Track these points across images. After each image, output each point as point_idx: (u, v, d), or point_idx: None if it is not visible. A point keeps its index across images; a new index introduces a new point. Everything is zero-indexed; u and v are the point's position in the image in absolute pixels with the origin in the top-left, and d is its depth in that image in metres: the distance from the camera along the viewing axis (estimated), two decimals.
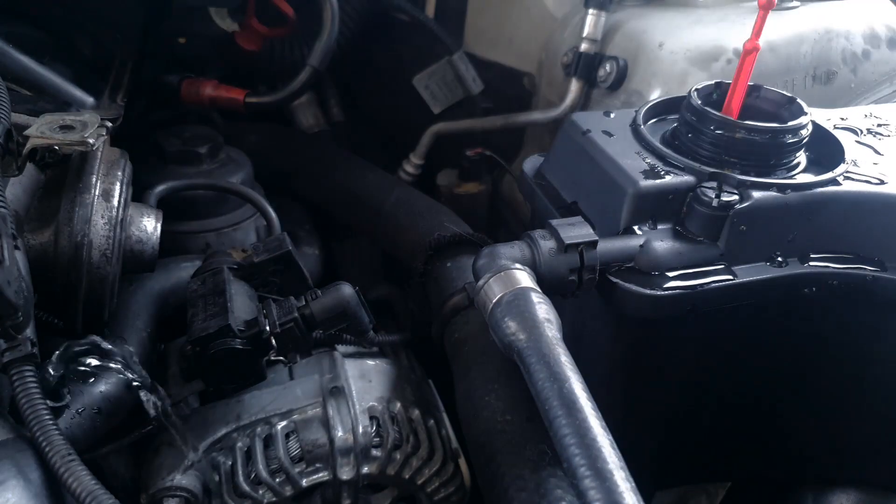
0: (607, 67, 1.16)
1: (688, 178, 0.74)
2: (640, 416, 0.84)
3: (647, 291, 0.70)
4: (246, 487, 0.72)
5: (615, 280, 0.71)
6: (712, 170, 0.74)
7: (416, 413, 0.81)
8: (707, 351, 0.79)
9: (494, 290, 0.65)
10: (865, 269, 0.75)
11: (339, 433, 0.76)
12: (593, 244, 0.70)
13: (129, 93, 1.00)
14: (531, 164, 0.90)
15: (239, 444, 0.75)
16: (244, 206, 1.13)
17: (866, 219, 0.75)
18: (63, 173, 0.74)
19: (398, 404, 0.81)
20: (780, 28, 1.15)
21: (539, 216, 0.86)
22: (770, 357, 0.81)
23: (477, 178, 1.45)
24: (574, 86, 1.21)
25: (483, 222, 1.48)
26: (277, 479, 0.74)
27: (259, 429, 0.76)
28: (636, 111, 0.84)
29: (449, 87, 1.47)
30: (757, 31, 0.74)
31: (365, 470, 0.76)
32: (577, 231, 0.70)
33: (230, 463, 0.74)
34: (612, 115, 0.85)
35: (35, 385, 0.55)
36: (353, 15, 1.38)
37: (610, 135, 0.80)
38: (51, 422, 0.53)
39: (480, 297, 0.67)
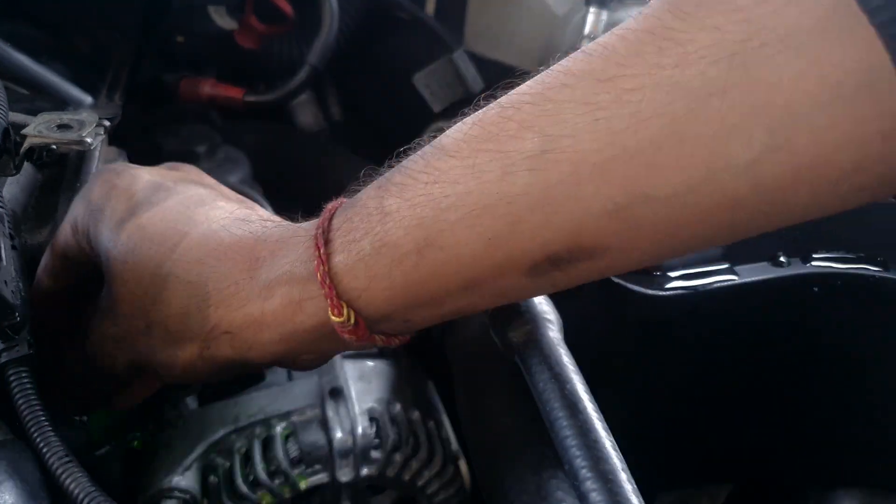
0: None
1: None
2: (641, 417, 0.84)
3: (650, 291, 0.70)
4: (244, 489, 0.72)
5: (617, 280, 0.71)
6: None
7: (416, 414, 0.81)
8: (709, 351, 0.79)
9: None
10: (869, 268, 0.74)
11: (339, 435, 0.75)
12: None
13: (127, 91, 0.99)
14: None
15: (237, 446, 0.74)
16: None
17: (869, 217, 0.75)
18: (61, 172, 0.73)
19: (398, 406, 0.80)
20: None
21: None
22: (772, 358, 0.80)
23: None
24: None
25: None
26: (276, 481, 0.73)
27: (257, 430, 0.76)
28: None
29: (449, 86, 1.46)
30: None
31: (364, 472, 0.76)
32: None
33: (228, 465, 0.73)
34: None
35: (32, 386, 0.54)
36: (353, 13, 1.38)
37: None
38: (48, 423, 0.53)
39: None
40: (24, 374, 0.54)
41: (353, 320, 0.45)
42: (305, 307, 0.46)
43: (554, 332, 0.61)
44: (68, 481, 0.50)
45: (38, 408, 0.53)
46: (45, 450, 0.51)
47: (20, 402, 0.53)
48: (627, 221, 0.38)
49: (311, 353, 0.53)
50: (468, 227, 0.40)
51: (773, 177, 0.36)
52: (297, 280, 0.47)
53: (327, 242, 0.46)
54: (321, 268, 0.44)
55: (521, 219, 0.39)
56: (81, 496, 0.49)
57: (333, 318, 0.45)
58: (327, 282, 0.44)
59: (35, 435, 0.52)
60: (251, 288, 0.49)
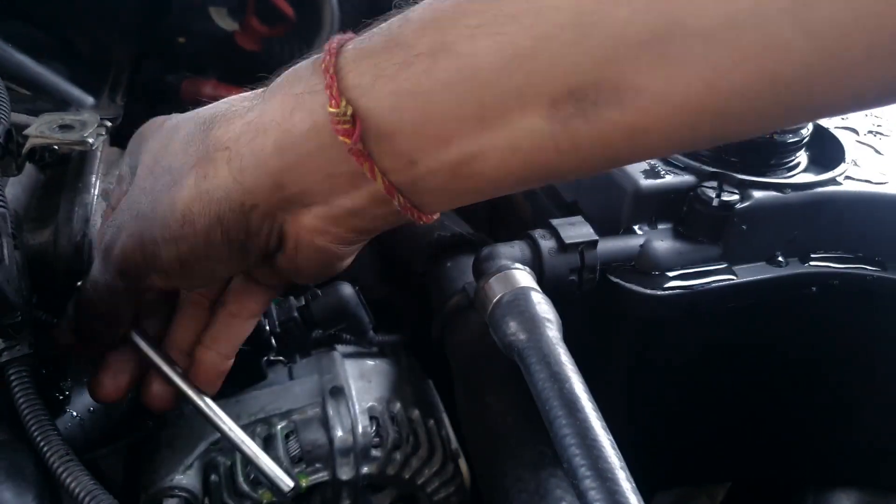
0: None
1: (688, 178, 0.74)
2: (640, 416, 0.84)
3: (648, 291, 0.70)
4: (245, 488, 0.72)
5: (615, 280, 0.71)
6: (713, 169, 0.74)
7: (415, 413, 0.81)
8: (707, 351, 0.79)
9: (494, 290, 0.65)
10: (866, 268, 0.75)
11: (339, 433, 0.75)
12: (593, 244, 0.70)
13: (129, 92, 1.00)
14: None
15: None
16: None
17: (867, 218, 0.75)
18: (62, 173, 0.73)
19: (398, 404, 0.81)
20: None
21: (539, 216, 0.86)
22: (770, 357, 0.81)
23: None
24: None
25: (483, 222, 1.48)
26: None
27: (258, 429, 0.76)
28: None
29: None
30: None
31: (364, 470, 0.76)
32: (577, 230, 0.70)
33: (229, 463, 0.74)
34: None
35: (33, 385, 0.54)
36: (353, 14, 1.38)
37: None
38: (49, 422, 0.53)
39: (480, 298, 0.67)
40: (24, 374, 0.55)
41: (349, 115, 0.39)
42: (304, 101, 0.43)
43: (553, 331, 0.61)
44: (69, 480, 0.50)
45: (38, 407, 0.54)
46: (45, 449, 0.52)
47: (21, 401, 0.54)
48: (662, 57, 0.34)
49: (312, 194, 0.46)
50: (490, 36, 0.36)
51: (824, 21, 0.31)
52: (301, 76, 0.44)
53: (341, 45, 0.42)
54: (328, 59, 0.41)
55: (549, 35, 0.35)
56: (83, 495, 0.50)
57: (330, 109, 0.40)
58: (330, 70, 0.40)
59: (36, 434, 0.52)
60: (255, 100, 0.47)
